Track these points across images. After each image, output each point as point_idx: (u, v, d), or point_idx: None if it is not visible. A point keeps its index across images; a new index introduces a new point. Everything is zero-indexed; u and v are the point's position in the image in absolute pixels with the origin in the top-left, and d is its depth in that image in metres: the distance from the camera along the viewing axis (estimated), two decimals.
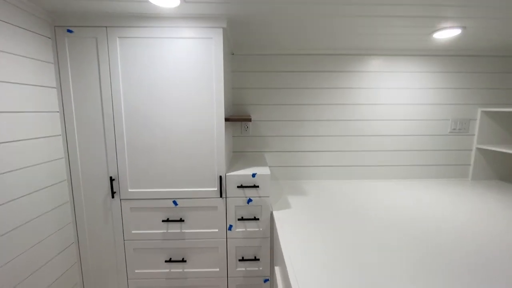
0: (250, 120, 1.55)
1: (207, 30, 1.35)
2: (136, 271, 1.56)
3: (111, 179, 1.44)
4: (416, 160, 2.15)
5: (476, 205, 1.61)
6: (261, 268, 1.58)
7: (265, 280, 1.60)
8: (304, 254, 1.07)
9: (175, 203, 1.50)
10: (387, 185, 2.01)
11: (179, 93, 1.40)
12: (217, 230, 1.53)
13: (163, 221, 1.50)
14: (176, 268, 1.56)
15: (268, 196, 1.52)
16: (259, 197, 1.52)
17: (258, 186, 1.50)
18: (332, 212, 1.50)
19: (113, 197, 1.46)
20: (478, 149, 2.12)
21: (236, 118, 1.54)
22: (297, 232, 1.27)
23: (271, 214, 1.53)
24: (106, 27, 1.33)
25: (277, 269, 1.31)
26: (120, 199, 1.48)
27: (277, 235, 1.29)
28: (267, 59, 1.98)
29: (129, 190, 1.47)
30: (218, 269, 1.57)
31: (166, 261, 1.54)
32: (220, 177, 1.47)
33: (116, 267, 1.55)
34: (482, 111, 2.07)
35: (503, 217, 1.43)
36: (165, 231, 1.52)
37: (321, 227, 1.32)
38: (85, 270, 1.55)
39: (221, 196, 1.49)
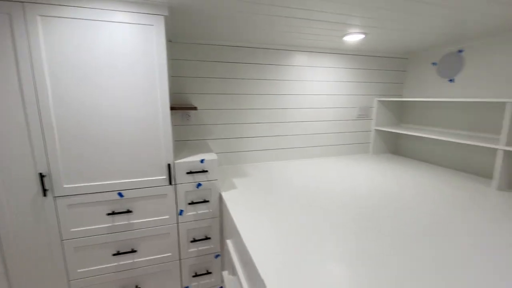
0: (195, 108, 1.62)
1: (149, 17, 1.33)
2: (78, 270, 1.47)
3: (41, 176, 1.29)
4: (333, 141, 2.61)
5: (375, 171, 2.12)
6: (212, 246, 1.72)
7: (216, 256, 1.74)
8: (253, 224, 1.26)
9: (120, 195, 1.46)
10: (313, 162, 2.39)
11: (119, 80, 1.34)
12: (168, 216, 1.58)
13: (108, 214, 1.45)
14: (126, 260, 1.54)
15: (216, 180, 1.64)
16: (208, 181, 1.62)
17: (207, 171, 1.60)
18: (272, 188, 1.73)
19: (45, 195, 1.32)
20: (376, 130, 2.72)
21: (181, 107, 1.58)
22: (245, 207, 1.44)
23: (220, 195, 1.67)
24: (22, 2, 1.15)
25: (229, 242, 1.47)
26: (54, 197, 1.35)
27: (228, 213, 1.44)
28: (206, 49, 2.04)
29: (64, 186, 1.35)
30: (170, 254, 1.62)
31: (113, 255, 1.50)
32: (169, 165, 1.50)
33: (54, 270, 1.42)
34: (378, 100, 2.66)
35: (394, 176, 1.95)
36: (111, 224, 1.48)
37: (265, 201, 1.53)
38: (14, 281, 1.37)
39: (170, 184, 1.53)
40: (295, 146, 2.48)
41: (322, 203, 1.50)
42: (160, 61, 1.39)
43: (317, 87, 2.43)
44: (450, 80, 2.28)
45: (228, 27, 1.70)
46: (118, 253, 1.50)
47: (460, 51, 2.18)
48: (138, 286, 1.60)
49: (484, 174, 2.00)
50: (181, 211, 1.60)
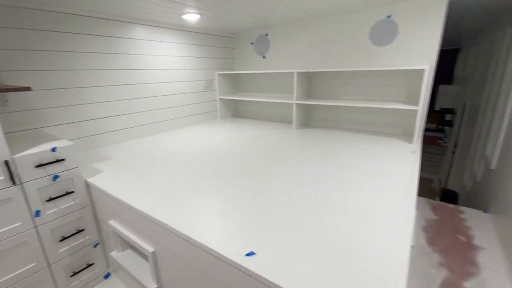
0: (28, 89, 1.33)
1: None
2: None
3: None
4: (186, 112, 2.89)
5: (226, 131, 2.64)
6: (88, 237, 1.62)
7: (96, 245, 1.67)
8: (137, 193, 1.37)
9: None
10: (172, 134, 2.58)
11: None
12: (19, 223, 1.31)
13: None
14: None
15: (77, 167, 1.51)
16: (67, 170, 1.46)
17: (64, 159, 1.43)
18: (142, 162, 1.82)
19: None
20: (220, 99, 3.25)
21: (6, 88, 1.26)
22: (123, 183, 1.49)
23: (86, 183, 1.56)
24: None
25: (112, 222, 1.48)
26: None
27: (105, 194, 1.43)
28: (28, 14, 1.59)
29: None
30: (35, 263, 1.39)
31: None
32: (6, 161, 1.22)
33: None
34: (218, 74, 3.15)
35: (238, 132, 2.54)
36: None
37: (139, 174, 1.62)
38: None
39: (14, 184, 1.26)
40: (154, 121, 2.54)
41: (189, 164, 1.80)
42: None
43: (166, 61, 2.53)
44: (264, 57, 3.10)
45: None
46: None
47: (266, 34, 2.98)
48: None
49: (289, 120, 3.02)
50: (37, 212, 1.37)
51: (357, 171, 1.58)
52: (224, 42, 3.18)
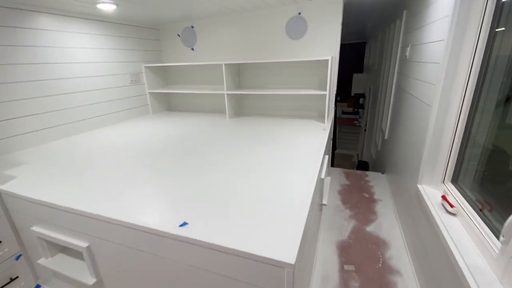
0: None
1: None
2: None
3: None
4: (113, 108, 2.74)
5: (159, 125, 2.62)
6: (6, 250, 1.47)
7: (18, 257, 1.53)
8: (64, 194, 1.33)
9: None
10: (98, 133, 2.44)
11: None
12: None
13: None
14: None
15: None
16: None
17: None
18: (63, 164, 1.71)
19: None
20: (150, 93, 3.16)
21: None
22: (42, 187, 1.40)
23: None
24: None
25: (36, 228, 1.39)
26: None
27: (25, 200, 1.33)
28: None
29: None
30: None
31: None
32: None
33: None
34: (145, 66, 3.05)
35: (173, 126, 2.56)
36: None
37: (61, 176, 1.54)
38: None
39: None
40: (76, 119, 2.34)
41: (119, 160, 1.78)
42: None
43: (85, 54, 2.34)
44: (192, 49, 3.13)
45: None
46: None
47: (192, 26, 3.02)
48: None
49: (223, 111, 3.15)
50: None
51: (276, 146, 1.83)
52: (150, 34, 3.08)
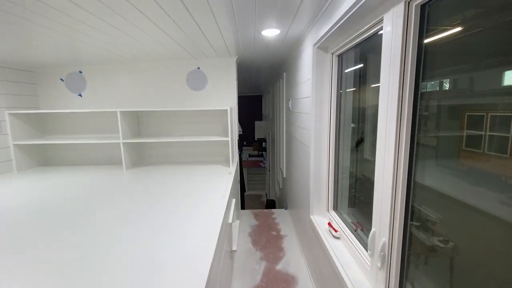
0: None
1: None
2: None
3: None
4: None
5: (25, 187, 2.07)
6: None
7: None
8: None
9: None
10: None
11: None
12: None
13: None
14: None
15: None
16: None
17: None
18: None
19: None
20: (15, 145, 2.52)
21: None
22: None
23: None
24: None
25: None
26: None
27: None
28: None
29: None
30: None
31: None
32: None
33: None
34: (9, 113, 2.47)
35: (47, 184, 2.06)
36: None
37: None
38: None
39: None
40: None
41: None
42: None
43: None
44: (79, 95, 2.79)
45: None
46: None
47: (80, 71, 2.74)
48: None
49: (118, 162, 2.83)
50: None
51: (181, 195, 1.75)
52: (21, 76, 2.58)
